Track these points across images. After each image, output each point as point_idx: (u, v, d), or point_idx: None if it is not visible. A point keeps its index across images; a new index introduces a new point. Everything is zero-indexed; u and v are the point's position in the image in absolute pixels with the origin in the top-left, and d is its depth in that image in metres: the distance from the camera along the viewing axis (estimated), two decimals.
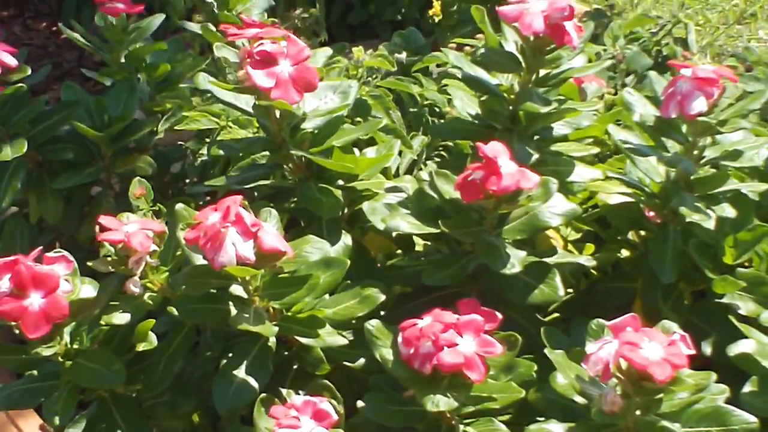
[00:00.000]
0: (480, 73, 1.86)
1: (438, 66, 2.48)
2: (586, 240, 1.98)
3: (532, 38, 1.75)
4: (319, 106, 1.79)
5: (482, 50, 1.83)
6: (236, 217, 1.44)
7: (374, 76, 2.37)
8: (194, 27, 2.26)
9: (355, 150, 1.89)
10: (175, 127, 2.18)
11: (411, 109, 2.32)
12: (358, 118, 2.08)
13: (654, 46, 2.72)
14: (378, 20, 3.74)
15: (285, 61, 1.63)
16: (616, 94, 2.27)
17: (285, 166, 1.83)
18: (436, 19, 3.18)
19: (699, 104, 1.63)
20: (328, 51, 1.86)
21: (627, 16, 3.43)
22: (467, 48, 2.40)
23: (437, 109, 2.31)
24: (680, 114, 1.65)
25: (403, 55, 2.47)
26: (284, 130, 1.76)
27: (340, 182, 1.81)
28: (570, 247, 1.95)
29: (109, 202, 2.12)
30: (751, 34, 3.72)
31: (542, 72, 1.83)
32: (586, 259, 1.78)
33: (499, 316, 1.46)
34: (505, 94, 1.86)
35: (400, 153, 2.06)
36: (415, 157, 2.15)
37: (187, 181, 2.28)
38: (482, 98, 1.88)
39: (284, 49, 1.64)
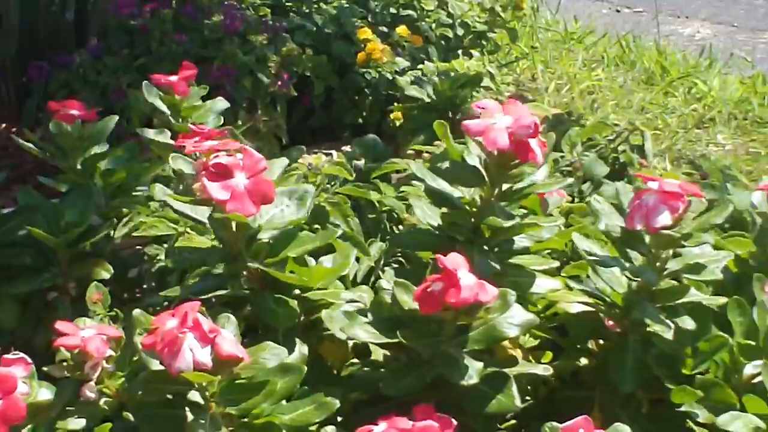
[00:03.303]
0: (442, 185, 1.86)
1: (398, 172, 2.49)
2: (544, 347, 1.98)
3: (496, 153, 1.76)
4: (275, 215, 1.79)
5: (446, 163, 1.83)
6: (194, 323, 1.44)
7: (333, 183, 2.37)
8: (150, 134, 2.26)
9: (312, 259, 1.89)
10: (133, 234, 2.17)
11: (369, 216, 2.32)
12: (316, 225, 2.08)
13: (611, 153, 2.75)
14: (339, 123, 3.75)
15: (241, 173, 1.63)
16: (573, 201, 2.28)
17: (242, 275, 1.82)
18: (398, 123, 3.21)
19: (664, 218, 1.65)
20: (284, 161, 1.87)
21: (585, 122, 3.46)
22: (425, 155, 2.41)
23: (396, 215, 2.32)
24: (645, 227, 1.67)
25: (362, 162, 2.47)
26: (240, 241, 1.75)
27: (296, 291, 1.81)
28: (529, 356, 1.95)
29: (65, 308, 2.10)
30: (710, 138, 3.76)
31: (505, 186, 1.83)
32: (544, 369, 1.78)
33: (455, 422, 1.46)
34: (468, 207, 1.86)
35: (357, 260, 2.05)
36: (373, 264, 2.14)
37: (144, 286, 2.26)
38: (444, 211, 1.88)
39: (240, 161, 1.65)
